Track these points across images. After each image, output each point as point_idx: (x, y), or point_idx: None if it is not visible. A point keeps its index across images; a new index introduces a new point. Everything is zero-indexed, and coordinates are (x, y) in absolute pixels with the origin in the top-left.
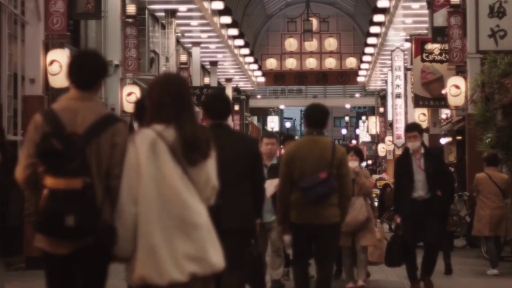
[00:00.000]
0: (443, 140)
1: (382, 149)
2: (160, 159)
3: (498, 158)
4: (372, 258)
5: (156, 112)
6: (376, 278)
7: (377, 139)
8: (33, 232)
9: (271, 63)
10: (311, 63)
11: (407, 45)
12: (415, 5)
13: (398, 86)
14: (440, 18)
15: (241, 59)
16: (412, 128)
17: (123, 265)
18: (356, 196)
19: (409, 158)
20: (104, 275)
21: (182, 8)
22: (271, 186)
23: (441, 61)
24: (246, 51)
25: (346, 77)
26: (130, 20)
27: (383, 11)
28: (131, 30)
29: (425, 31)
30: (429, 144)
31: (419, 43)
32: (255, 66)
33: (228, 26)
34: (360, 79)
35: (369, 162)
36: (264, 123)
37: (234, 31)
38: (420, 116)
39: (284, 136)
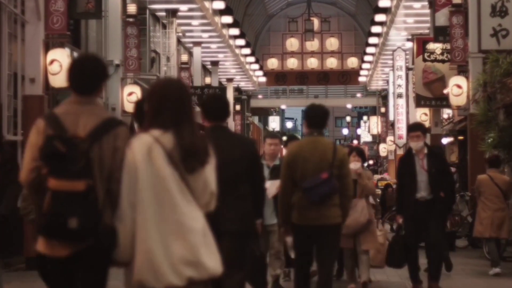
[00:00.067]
0: (445, 140)
1: (383, 149)
2: (157, 164)
3: (500, 160)
4: (375, 263)
5: (155, 117)
6: (378, 279)
7: (378, 139)
8: (33, 232)
9: (272, 63)
10: (312, 63)
11: (409, 44)
12: (417, 4)
13: (399, 86)
14: (442, 18)
15: (242, 59)
16: (415, 128)
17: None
18: (358, 198)
19: (412, 158)
20: (103, 278)
21: (183, 7)
22: (272, 187)
23: (443, 61)
24: (247, 51)
25: (347, 77)
26: (130, 19)
27: (385, 10)
28: (132, 30)
29: (427, 31)
30: (430, 144)
31: (420, 42)
32: (256, 66)
33: (229, 26)
34: (361, 79)
35: (371, 162)
36: (265, 123)
37: (235, 31)
38: (422, 116)
39: (287, 136)
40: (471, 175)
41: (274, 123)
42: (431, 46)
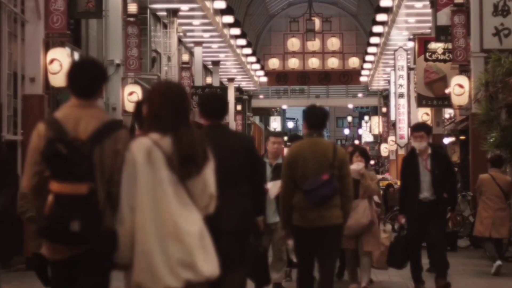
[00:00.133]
0: (446, 140)
1: (385, 149)
2: (155, 167)
3: (503, 160)
4: (379, 265)
5: (154, 121)
6: (379, 279)
7: (379, 139)
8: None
9: (274, 63)
10: (313, 63)
11: (410, 44)
12: (418, 4)
13: (401, 85)
14: (444, 17)
15: (243, 58)
16: (419, 128)
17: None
18: (360, 199)
19: (416, 158)
20: (105, 281)
21: (184, 7)
22: (274, 187)
23: (445, 60)
24: (248, 50)
25: (348, 77)
26: (131, 19)
27: (386, 10)
28: (133, 29)
29: (428, 30)
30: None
31: (422, 42)
32: (257, 66)
33: (230, 25)
34: (362, 79)
35: (372, 162)
36: (266, 123)
37: (236, 31)
38: (423, 115)
39: (290, 136)
40: (473, 175)
41: (275, 123)
42: (433, 45)
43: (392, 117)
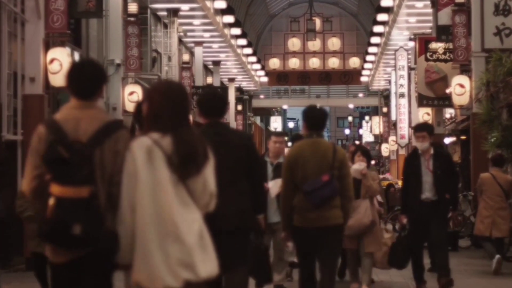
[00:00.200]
0: (447, 140)
1: (385, 149)
2: (155, 166)
3: (504, 159)
4: (382, 265)
5: (154, 120)
6: (381, 279)
7: (380, 139)
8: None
9: (274, 63)
10: (314, 63)
11: (411, 44)
12: (419, 4)
13: (401, 85)
14: (445, 17)
15: (244, 58)
16: (421, 128)
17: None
18: (361, 199)
19: (418, 159)
20: (108, 283)
21: (185, 7)
22: (275, 186)
23: (445, 60)
24: (249, 50)
25: (349, 77)
26: (131, 19)
27: (387, 10)
28: (133, 29)
29: (429, 30)
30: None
31: (423, 42)
32: (258, 66)
33: (230, 25)
34: (363, 79)
35: (372, 162)
36: (267, 123)
37: (237, 31)
38: (424, 115)
39: (292, 136)
40: (474, 175)
41: (276, 123)
42: (434, 45)
43: (393, 117)
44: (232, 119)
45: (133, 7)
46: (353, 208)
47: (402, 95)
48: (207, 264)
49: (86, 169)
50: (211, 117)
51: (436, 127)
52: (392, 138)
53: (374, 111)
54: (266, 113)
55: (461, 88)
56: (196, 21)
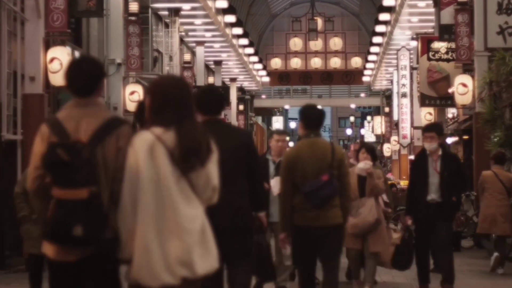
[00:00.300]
0: (450, 140)
1: (387, 149)
2: (158, 161)
3: (506, 157)
4: (388, 265)
5: (156, 115)
6: (383, 280)
7: (382, 139)
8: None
9: (276, 62)
10: (316, 62)
11: (413, 43)
12: (421, 3)
13: (404, 85)
14: (447, 16)
15: (245, 58)
16: (429, 129)
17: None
18: (366, 197)
19: (425, 159)
20: (114, 283)
21: (186, 6)
22: (277, 184)
23: (448, 60)
24: (250, 50)
25: (351, 77)
26: (132, 18)
27: (389, 9)
28: (134, 28)
29: (432, 30)
30: None
31: (425, 41)
32: (259, 66)
33: (232, 25)
34: (365, 78)
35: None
36: (269, 123)
37: (238, 30)
38: (426, 115)
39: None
40: (476, 175)
41: (277, 123)
42: (436, 45)
43: (395, 117)
44: (234, 119)
45: (134, 6)
46: (358, 206)
47: (404, 95)
48: (206, 260)
49: (85, 170)
50: (208, 114)
51: None
52: (394, 138)
53: (376, 111)
54: (268, 113)
55: (463, 88)
56: (198, 21)
